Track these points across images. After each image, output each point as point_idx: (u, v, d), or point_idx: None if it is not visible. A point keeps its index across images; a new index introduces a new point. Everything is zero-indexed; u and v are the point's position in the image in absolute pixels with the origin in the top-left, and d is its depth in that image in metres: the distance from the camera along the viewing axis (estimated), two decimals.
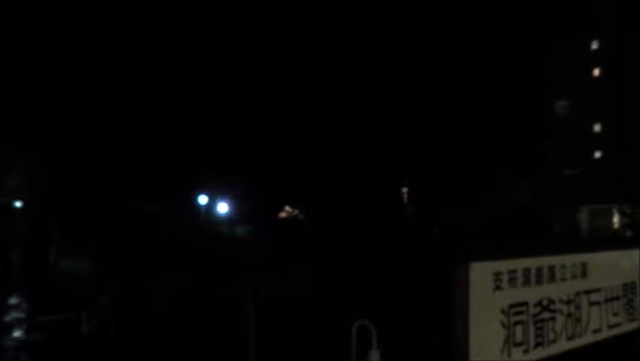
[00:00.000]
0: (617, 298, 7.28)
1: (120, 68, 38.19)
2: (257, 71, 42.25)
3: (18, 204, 36.43)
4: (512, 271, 5.62)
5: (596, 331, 6.86)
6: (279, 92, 40.94)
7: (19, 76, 33.85)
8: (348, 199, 31.93)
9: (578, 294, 6.57)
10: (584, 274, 6.65)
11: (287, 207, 43.27)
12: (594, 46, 51.31)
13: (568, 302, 6.41)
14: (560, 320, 6.27)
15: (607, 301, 7.08)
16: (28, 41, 34.94)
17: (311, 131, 37.24)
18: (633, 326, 7.53)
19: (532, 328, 5.85)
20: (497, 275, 5.45)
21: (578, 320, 6.57)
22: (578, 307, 6.56)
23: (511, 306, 5.59)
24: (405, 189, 34.39)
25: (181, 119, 39.93)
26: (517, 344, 5.64)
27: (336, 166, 36.54)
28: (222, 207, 43.69)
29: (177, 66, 41.19)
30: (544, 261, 6.08)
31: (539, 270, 5.97)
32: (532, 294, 5.87)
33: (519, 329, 5.67)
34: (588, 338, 6.70)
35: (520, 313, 5.70)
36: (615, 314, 7.22)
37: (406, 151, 38.82)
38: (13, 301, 16.26)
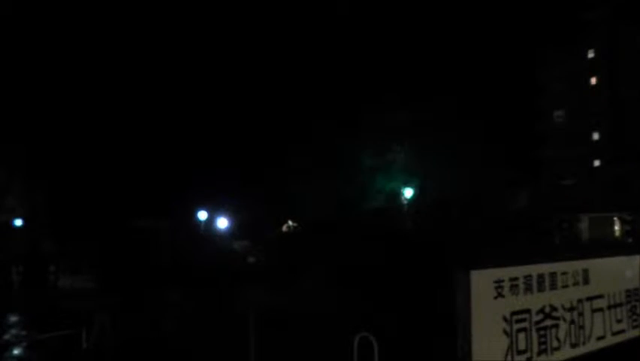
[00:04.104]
0: (621, 304, 7.22)
1: (118, 84, 38.30)
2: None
3: (18, 222, 36.37)
4: (513, 279, 5.58)
5: (599, 338, 6.80)
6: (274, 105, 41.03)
7: (16, 98, 33.93)
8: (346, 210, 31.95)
9: (580, 301, 6.52)
10: (585, 280, 6.61)
11: (289, 222, 43.14)
12: (590, 54, 51.49)
13: (570, 309, 6.36)
14: (563, 327, 6.21)
15: (610, 307, 7.03)
16: (27, 62, 35.08)
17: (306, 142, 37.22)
18: (638, 332, 7.46)
19: (535, 335, 5.80)
20: (498, 283, 5.41)
21: (582, 327, 6.51)
22: (580, 314, 6.50)
23: (514, 313, 5.54)
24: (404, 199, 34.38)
25: (179, 137, 40.00)
26: (521, 352, 5.59)
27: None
28: (222, 223, 43.61)
29: (174, 79, 41.31)
30: (546, 268, 6.03)
31: (541, 277, 5.93)
32: (534, 301, 5.82)
33: (522, 336, 5.62)
34: (592, 346, 6.64)
35: (523, 320, 5.65)
36: (619, 321, 7.16)
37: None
38: (13, 318, 16.17)
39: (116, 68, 38.82)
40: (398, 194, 33.32)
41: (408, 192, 32.04)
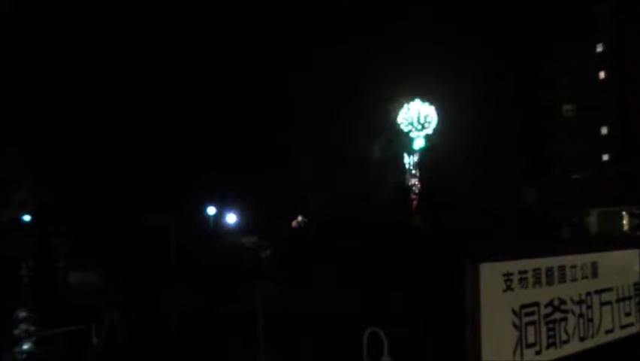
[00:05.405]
0: (629, 297, 7.20)
1: (126, 79, 38.37)
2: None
3: (27, 218, 36.52)
4: (523, 272, 5.57)
5: (608, 331, 6.77)
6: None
7: (21, 93, 33.99)
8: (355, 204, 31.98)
9: (589, 294, 6.50)
10: (594, 273, 6.59)
11: (299, 217, 43.19)
12: (599, 48, 51.19)
13: (579, 302, 6.34)
14: (571, 320, 6.19)
15: (619, 300, 7.00)
16: (30, 57, 35.12)
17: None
18: None
19: (544, 329, 5.79)
20: (507, 276, 5.40)
21: (590, 320, 6.49)
22: (589, 307, 6.48)
23: (523, 307, 5.54)
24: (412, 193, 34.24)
25: (185, 134, 40.07)
26: (530, 345, 5.58)
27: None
28: (231, 218, 43.70)
29: (183, 78, 41.35)
30: (555, 261, 6.02)
31: (550, 270, 5.91)
32: (543, 294, 5.81)
33: (531, 329, 5.61)
34: (601, 339, 6.62)
35: (532, 313, 5.64)
36: (627, 314, 7.14)
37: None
38: (23, 314, 16.29)
39: (123, 66, 38.89)
40: (405, 148, 31.09)
41: (418, 143, 28.86)
